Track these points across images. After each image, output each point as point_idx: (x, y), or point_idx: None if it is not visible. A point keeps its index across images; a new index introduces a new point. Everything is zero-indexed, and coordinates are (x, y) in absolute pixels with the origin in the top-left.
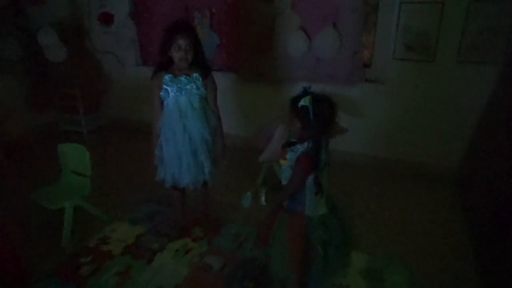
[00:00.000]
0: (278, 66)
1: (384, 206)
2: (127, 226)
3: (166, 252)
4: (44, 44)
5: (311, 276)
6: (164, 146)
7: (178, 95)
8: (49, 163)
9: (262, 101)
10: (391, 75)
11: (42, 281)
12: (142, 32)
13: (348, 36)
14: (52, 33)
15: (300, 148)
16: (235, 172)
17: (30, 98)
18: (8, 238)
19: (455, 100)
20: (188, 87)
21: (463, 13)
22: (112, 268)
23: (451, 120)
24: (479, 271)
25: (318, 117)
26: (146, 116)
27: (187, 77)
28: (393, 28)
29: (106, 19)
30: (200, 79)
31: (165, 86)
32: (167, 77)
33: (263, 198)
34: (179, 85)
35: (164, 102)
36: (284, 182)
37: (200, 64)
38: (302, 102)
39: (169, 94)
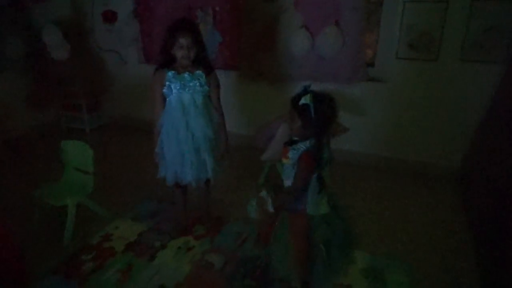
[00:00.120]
0: (280, 64)
1: (385, 205)
2: (129, 224)
3: (168, 250)
4: (48, 42)
5: (313, 275)
6: (166, 143)
7: (181, 92)
8: (51, 160)
9: (264, 99)
10: (394, 74)
11: (44, 278)
12: (145, 30)
13: (350, 35)
14: (56, 31)
15: (302, 146)
16: (237, 170)
17: (32, 96)
18: (9, 236)
19: (458, 99)
20: (191, 84)
21: (467, 12)
22: (114, 266)
23: (454, 119)
24: (480, 271)
25: (319, 115)
26: (148, 114)
27: (190, 74)
28: (396, 27)
29: (109, 17)
30: (204, 76)
31: (168, 83)
32: (170, 73)
33: (270, 205)
34: (182, 82)
35: (167, 99)
36: (285, 181)
37: (202, 62)
38: (303, 100)
39: (172, 91)
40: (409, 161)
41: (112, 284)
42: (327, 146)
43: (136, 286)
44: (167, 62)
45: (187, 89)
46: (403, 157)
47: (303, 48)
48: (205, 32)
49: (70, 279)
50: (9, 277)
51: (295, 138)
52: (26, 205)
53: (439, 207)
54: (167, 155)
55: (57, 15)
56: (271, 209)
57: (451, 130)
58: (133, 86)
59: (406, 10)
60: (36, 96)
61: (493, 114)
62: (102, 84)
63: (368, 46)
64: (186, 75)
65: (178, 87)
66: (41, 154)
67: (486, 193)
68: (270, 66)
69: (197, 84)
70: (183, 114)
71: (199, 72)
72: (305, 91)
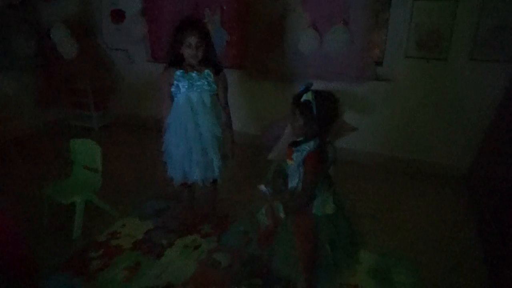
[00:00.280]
0: (287, 63)
1: (393, 205)
2: (136, 222)
3: (175, 248)
4: (56, 40)
5: (319, 275)
6: (174, 142)
7: (189, 91)
8: (60, 158)
9: (270, 98)
10: (402, 73)
11: (52, 274)
12: (153, 28)
13: (358, 34)
14: (64, 30)
15: (306, 147)
16: (244, 169)
17: (40, 94)
18: (16, 231)
19: (467, 99)
20: (199, 83)
21: (477, 10)
22: (121, 263)
23: (463, 119)
24: (488, 272)
25: (321, 112)
26: (156, 113)
27: (198, 74)
28: (405, 26)
29: (118, 16)
30: (212, 75)
31: (176, 82)
32: (178, 72)
33: (281, 212)
34: (190, 81)
35: (175, 98)
36: (290, 183)
37: (211, 61)
38: (304, 97)
39: (180, 90)
40: (417, 161)
41: (119, 281)
42: (331, 145)
43: (143, 283)
44: (176, 61)
45: (195, 88)
46: (411, 157)
47: (310, 47)
48: (212, 31)
49: (77, 276)
50: (16, 270)
51: (299, 139)
52: (35, 202)
53: (447, 207)
54: (174, 154)
55: (66, 14)
56: (282, 216)
57: (460, 130)
58: (140, 85)
59: (415, 8)
60: (46, 94)
61: (504, 114)
62: (110, 82)
63: (376, 45)
64: (194, 74)
65: (186, 86)
66: (50, 152)
67: (496, 194)
68: (277, 65)
69: (205, 83)
70: (191, 113)
71: (207, 71)
72: (307, 88)
